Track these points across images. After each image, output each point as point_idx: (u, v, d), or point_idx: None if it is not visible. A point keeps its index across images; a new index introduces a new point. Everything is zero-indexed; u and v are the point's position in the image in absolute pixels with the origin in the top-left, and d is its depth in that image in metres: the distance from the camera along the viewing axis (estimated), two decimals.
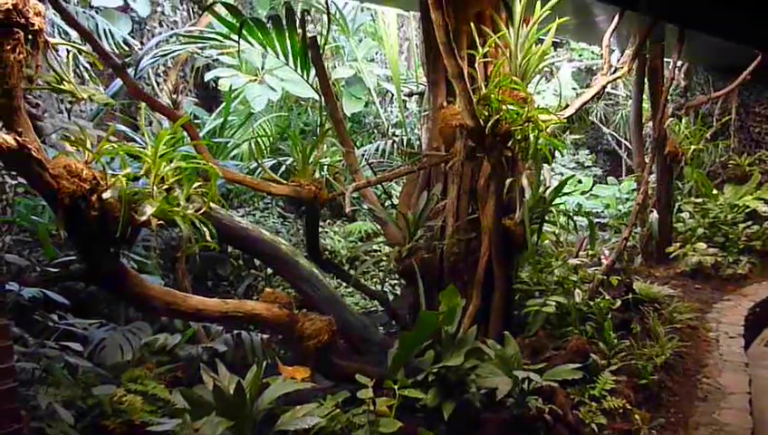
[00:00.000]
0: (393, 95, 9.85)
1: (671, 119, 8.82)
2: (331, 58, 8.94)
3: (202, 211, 3.17)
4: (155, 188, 2.94)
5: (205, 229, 3.08)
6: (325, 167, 6.04)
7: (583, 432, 4.15)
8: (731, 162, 10.58)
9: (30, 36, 2.51)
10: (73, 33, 5.22)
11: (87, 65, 5.77)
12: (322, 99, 5.17)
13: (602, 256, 7.44)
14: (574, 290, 5.57)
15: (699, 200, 9.43)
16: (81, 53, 4.18)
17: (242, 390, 3.50)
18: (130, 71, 4.80)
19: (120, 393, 3.91)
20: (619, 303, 5.74)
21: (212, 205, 3.86)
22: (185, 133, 4.16)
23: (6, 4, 2.36)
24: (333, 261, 7.20)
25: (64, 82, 2.93)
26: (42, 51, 2.63)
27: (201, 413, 3.43)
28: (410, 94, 9.78)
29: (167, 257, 6.25)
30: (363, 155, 8.29)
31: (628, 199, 10.91)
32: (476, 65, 4.76)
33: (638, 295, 6.22)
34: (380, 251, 7.47)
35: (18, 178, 4.34)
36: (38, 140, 2.68)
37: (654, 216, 8.67)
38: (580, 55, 12.62)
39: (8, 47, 2.42)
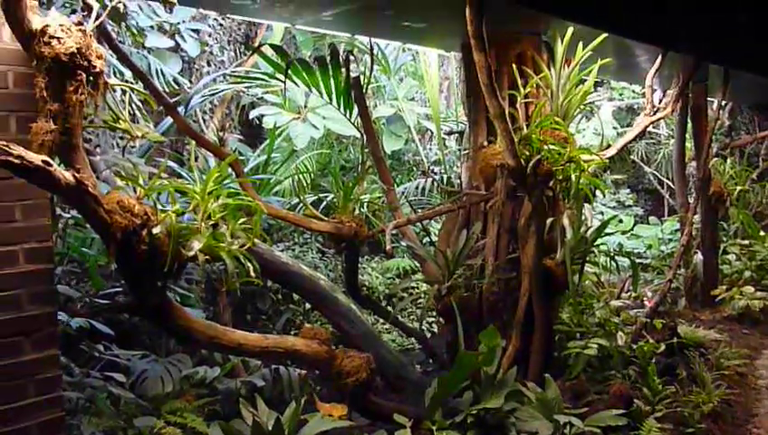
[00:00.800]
0: (433, 133, 9.94)
1: (715, 158, 8.67)
2: (372, 97, 9.09)
3: (246, 247, 3.23)
4: (202, 224, 3.02)
5: (249, 265, 3.13)
6: (365, 204, 6.10)
7: None
8: None
9: (91, 78, 2.64)
10: (127, 73, 5.44)
11: (139, 103, 6.00)
12: (364, 137, 5.26)
13: (645, 299, 7.29)
14: (616, 333, 5.46)
15: (746, 242, 9.17)
16: (134, 92, 4.37)
17: (280, 426, 3.51)
18: (180, 109, 4.98)
19: (160, 425, 3.97)
20: (663, 347, 5.59)
21: (254, 240, 3.94)
22: (230, 170, 4.27)
23: (71, 48, 2.49)
24: (371, 297, 7.21)
25: (120, 121, 3.05)
26: (101, 92, 2.75)
27: None
28: (450, 133, 9.85)
29: (208, 290, 6.36)
30: (403, 193, 8.35)
31: (670, 240, 10.70)
32: (517, 105, 4.78)
33: (683, 340, 6.04)
34: (418, 288, 7.45)
35: (70, 212, 4.50)
36: (94, 176, 2.79)
37: (699, 257, 8.46)
38: (620, 94, 12.57)
39: (71, 88, 2.55)
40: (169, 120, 5.26)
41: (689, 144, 9.40)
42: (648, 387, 4.94)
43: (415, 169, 9.85)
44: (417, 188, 8.54)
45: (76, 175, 2.53)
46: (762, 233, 9.28)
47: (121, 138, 6.23)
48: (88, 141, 5.80)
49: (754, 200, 9.82)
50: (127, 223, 2.75)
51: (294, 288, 5.95)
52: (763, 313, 7.78)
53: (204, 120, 7.60)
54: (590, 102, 11.38)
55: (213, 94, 5.31)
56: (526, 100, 4.86)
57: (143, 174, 3.37)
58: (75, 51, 2.52)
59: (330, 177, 8.19)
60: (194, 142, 4.19)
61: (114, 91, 3.29)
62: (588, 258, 5.06)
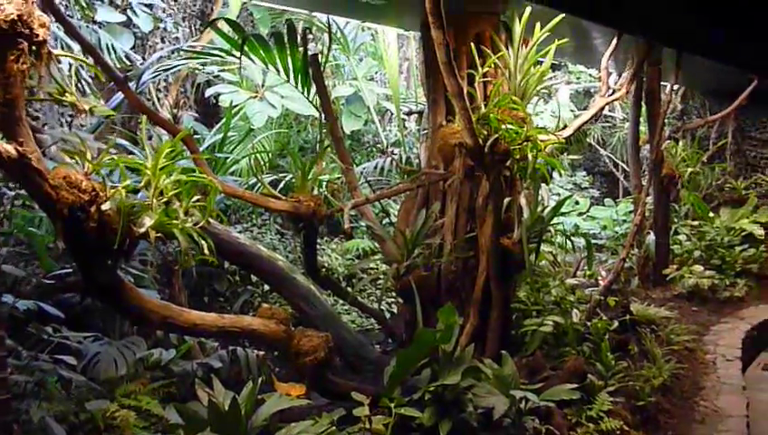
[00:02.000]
0: (392, 114, 9.90)
1: (668, 141, 8.87)
2: (331, 76, 8.99)
3: (200, 225, 3.16)
4: (154, 200, 2.93)
5: (203, 243, 3.06)
6: (324, 184, 6.05)
7: None
8: (727, 185, 10.64)
9: (34, 47, 2.52)
10: (76, 48, 5.24)
11: (89, 79, 5.79)
12: (322, 116, 5.20)
13: (599, 278, 7.44)
14: (572, 310, 5.57)
15: (696, 223, 9.46)
16: (83, 66, 4.21)
17: (237, 406, 3.47)
18: (132, 85, 4.82)
19: (114, 408, 3.88)
20: (616, 324, 5.73)
21: (210, 220, 3.86)
22: (185, 148, 4.16)
23: (12, 14, 2.37)
24: (331, 278, 7.18)
25: (66, 94, 2.93)
26: (45, 62, 2.63)
27: (195, 429, 3.39)
28: (410, 113, 9.83)
29: (163, 273, 6.22)
30: (362, 172, 8.31)
31: (624, 221, 10.94)
32: (476, 85, 4.79)
33: (635, 317, 6.21)
34: (378, 269, 7.45)
35: (16, 190, 4.33)
36: (38, 150, 2.68)
37: (651, 238, 8.69)
38: (577, 78, 12.73)
39: (12, 57, 2.43)
40: (120, 95, 5.09)
41: (643, 128, 9.62)
42: (601, 362, 5.06)
43: (374, 149, 9.81)
44: (375, 168, 8.50)
45: (18, 148, 2.42)
46: (711, 214, 9.57)
47: (71, 116, 6.04)
48: (35, 119, 5.58)
49: (704, 183, 10.13)
50: (74, 199, 2.65)
51: (252, 269, 5.89)
52: (711, 291, 8.06)
53: (158, 99, 7.39)
54: (547, 85, 11.54)
55: (166, 70, 5.15)
56: (484, 79, 4.88)
57: (92, 150, 3.26)
58: (16, 18, 2.39)
59: (288, 157, 8.10)
60: (146, 119, 4.06)
61: (60, 63, 3.16)
62: (544, 238, 5.13)
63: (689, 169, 8.71)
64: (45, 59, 2.62)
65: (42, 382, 3.86)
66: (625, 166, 11.88)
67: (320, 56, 5.28)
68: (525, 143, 4.32)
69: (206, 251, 3.06)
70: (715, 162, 10.44)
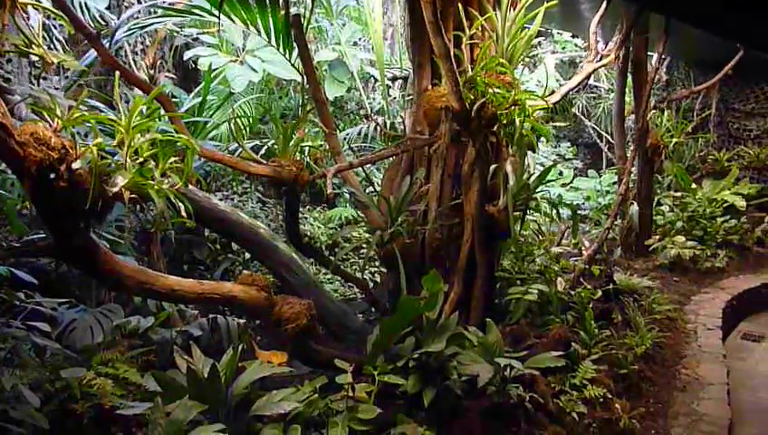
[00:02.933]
0: (377, 80, 9.73)
1: (653, 112, 8.82)
2: (314, 41, 8.79)
3: (178, 187, 3.04)
4: (128, 160, 2.80)
5: (180, 205, 2.95)
6: (306, 150, 5.91)
7: (564, 421, 4.12)
8: (710, 157, 10.66)
9: None
10: (47, 3, 5.01)
11: (61, 39, 5.57)
12: (305, 79, 5.04)
13: (583, 247, 7.42)
14: (556, 279, 5.54)
15: (678, 194, 9.48)
16: (56, 22, 3.99)
17: (216, 373, 3.39)
18: (105, 43, 4.62)
19: (90, 377, 3.78)
20: (600, 293, 5.73)
21: (190, 186, 3.73)
22: (162, 110, 4.00)
23: None
24: (313, 246, 7.09)
25: (33, 46, 2.77)
26: (9, 11, 2.47)
27: (174, 397, 3.31)
28: (394, 79, 9.67)
29: (141, 240, 6.09)
30: (345, 138, 8.17)
31: (608, 192, 10.95)
32: (463, 47, 4.66)
33: (618, 286, 6.22)
34: (361, 238, 7.37)
35: None
36: (4, 106, 2.53)
37: (634, 208, 8.68)
38: (563, 48, 12.61)
39: None
40: (93, 53, 4.88)
41: (628, 98, 9.55)
42: (585, 331, 5.06)
43: (357, 116, 9.65)
44: (359, 133, 8.37)
45: None
46: (693, 185, 9.59)
47: (43, 78, 5.82)
48: (6, 81, 5.36)
49: (687, 154, 10.13)
50: (42, 156, 2.52)
51: (233, 237, 5.77)
52: (692, 261, 8.09)
53: (135, 62, 7.16)
54: (533, 54, 11.42)
55: (142, 28, 4.93)
56: (471, 42, 4.75)
57: (62, 107, 3.11)
58: None
59: (270, 123, 7.94)
60: (119, 78, 3.88)
61: (26, 14, 2.99)
62: (529, 206, 5.06)
63: (674, 140, 8.67)
64: (9, 7, 2.46)
65: (15, 350, 3.75)
66: (609, 137, 11.85)
67: (302, 19, 5.10)
68: (513, 108, 4.22)
69: (183, 214, 2.95)
70: (698, 133, 10.44)
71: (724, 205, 9.16)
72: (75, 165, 2.60)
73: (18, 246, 4.29)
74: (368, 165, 6.61)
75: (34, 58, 3.05)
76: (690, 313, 6.72)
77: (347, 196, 8.16)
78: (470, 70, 4.43)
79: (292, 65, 5.37)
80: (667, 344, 5.71)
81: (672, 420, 4.48)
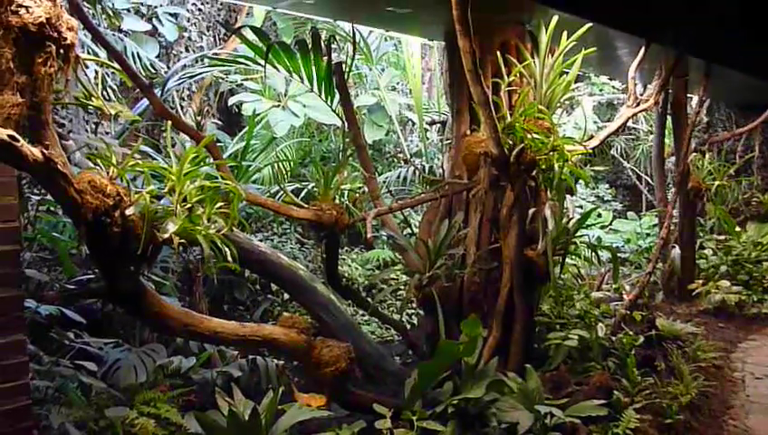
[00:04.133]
0: (414, 124, 9.86)
1: (694, 154, 8.72)
2: (353, 86, 8.99)
3: (224, 232, 3.13)
4: (178, 206, 2.91)
5: (226, 249, 3.04)
6: (346, 193, 6.01)
7: None
8: (754, 199, 10.42)
9: (61, 51, 2.52)
10: (102, 55, 5.29)
11: (114, 87, 5.84)
12: (345, 124, 5.17)
13: (624, 292, 7.30)
14: (596, 324, 5.46)
15: (722, 238, 9.27)
16: (109, 71, 4.21)
17: (257, 415, 3.42)
18: (157, 91, 4.84)
19: (133, 416, 3.85)
20: (642, 339, 5.61)
21: (232, 229, 3.82)
22: (208, 155, 4.14)
23: (40, 17, 2.37)
24: (351, 288, 7.13)
25: (93, 99, 2.93)
26: (72, 66, 2.63)
27: None
28: (432, 123, 9.79)
29: (184, 280, 6.23)
30: (384, 182, 8.27)
31: (648, 235, 10.77)
32: (501, 94, 4.74)
33: (661, 332, 6.07)
34: (398, 280, 7.39)
35: (41, 194, 4.36)
36: (64, 155, 2.67)
37: (676, 252, 8.52)
38: (600, 90, 12.61)
39: (39, 60, 2.43)
40: (145, 101, 5.11)
41: (668, 140, 9.48)
42: (627, 378, 4.94)
43: (395, 159, 9.77)
44: (398, 177, 8.46)
45: (45, 151, 2.41)
46: (737, 229, 9.38)
47: (96, 123, 6.09)
48: (61, 126, 5.63)
49: (731, 196, 9.93)
50: (98, 204, 2.64)
51: (273, 278, 5.86)
52: (738, 307, 7.86)
53: (182, 107, 7.44)
54: (570, 97, 11.44)
55: (191, 77, 5.16)
56: (510, 88, 4.82)
57: (116, 155, 3.25)
58: (44, 21, 2.40)
59: (310, 166, 8.09)
60: (170, 126, 4.05)
61: (87, 67, 3.17)
62: (569, 250, 5.04)
63: (716, 183, 8.53)
64: (72, 63, 2.62)
65: (62, 388, 3.86)
66: (649, 179, 11.71)
67: (343, 65, 5.26)
68: (552, 153, 4.25)
69: (228, 258, 3.04)
70: (741, 176, 10.25)
71: None
72: (129, 211, 2.71)
73: (72, 288, 4.44)
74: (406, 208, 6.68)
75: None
76: (737, 360, 6.51)
77: (385, 238, 8.22)
78: (509, 116, 4.48)
79: (333, 111, 5.52)
80: (713, 394, 5.53)
81: None
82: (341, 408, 4.36)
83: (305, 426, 3.88)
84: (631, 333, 5.62)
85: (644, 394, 4.84)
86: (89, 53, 5.34)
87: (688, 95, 8.59)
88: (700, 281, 8.37)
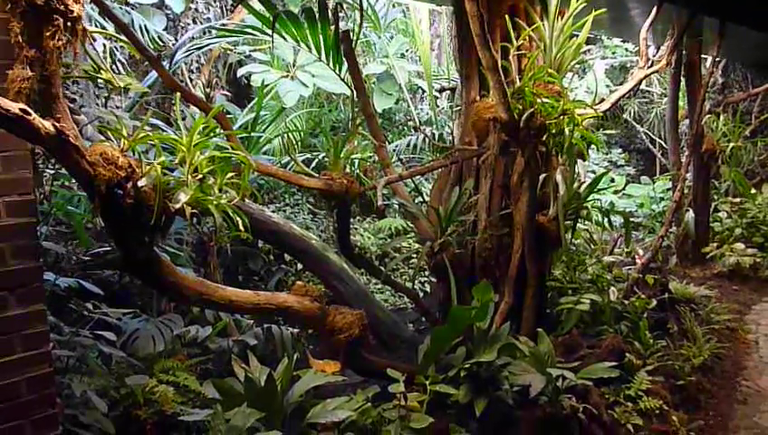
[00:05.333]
0: (424, 92, 9.79)
1: (708, 115, 8.60)
2: (362, 54, 8.93)
3: (235, 202, 3.16)
4: (189, 177, 2.94)
5: (238, 219, 3.07)
6: (356, 162, 6.01)
7: (619, 433, 4.07)
8: None
9: (69, 24, 2.53)
10: (110, 29, 5.28)
11: (123, 61, 5.84)
12: (354, 93, 5.15)
13: (637, 256, 7.29)
14: (609, 288, 5.47)
15: (737, 200, 9.19)
16: (117, 45, 4.22)
17: (273, 381, 3.50)
18: (165, 64, 4.84)
19: (152, 384, 3.95)
20: (654, 302, 5.62)
21: (244, 199, 3.85)
22: (218, 126, 4.16)
23: None
24: (364, 257, 7.18)
25: (102, 71, 2.94)
26: (80, 39, 2.64)
27: (232, 404, 3.43)
28: (442, 90, 9.71)
29: (199, 252, 6.31)
30: (395, 150, 8.25)
31: (662, 199, 10.70)
32: (510, 58, 4.69)
33: (674, 295, 6.08)
34: (410, 247, 7.43)
35: (55, 168, 4.40)
36: (76, 127, 2.70)
37: (690, 215, 8.47)
38: (613, 53, 12.40)
39: (47, 33, 2.44)
40: (153, 74, 5.10)
41: (682, 102, 9.34)
42: (639, 341, 4.98)
43: (406, 127, 9.73)
44: (408, 145, 8.44)
45: (56, 124, 2.44)
46: (753, 191, 9.28)
47: (106, 97, 6.11)
48: (72, 102, 5.66)
49: (746, 158, 9.80)
50: (111, 175, 2.67)
51: (286, 248, 5.91)
52: (752, 269, 7.84)
53: (191, 80, 7.44)
54: (582, 60, 11.29)
55: (199, 48, 5.14)
56: (519, 52, 4.77)
57: (128, 127, 3.28)
58: None
59: (320, 137, 8.09)
60: (179, 98, 4.06)
61: (95, 41, 3.18)
62: (580, 215, 5.03)
63: (730, 145, 8.41)
64: (80, 36, 2.63)
65: (83, 358, 3.95)
66: (663, 143, 11.59)
67: (351, 33, 5.22)
68: (562, 117, 4.21)
69: (240, 227, 3.07)
70: (757, 137, 10.11)
71: None
72: (141, 183, 2.74)
73: (88, 260, 4.52)
74: (417, 176, 6.68)
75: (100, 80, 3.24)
76: (751, 322, 6.52)
77: (396, 206, 8.23)
78: (518, 80, 4.45)
79: (342, 79, 5.48)
80: (726, 355, 5.56)
81: (732, 433, 4.37)
82: (356, 374, 4.44)
83: (320, 391, 3.96)
84: (644, 296, 5.63)
85: (656, 356, 4.88)
86: (96, 26, 5.34)
87: (703, 56, 8.44)
88: (714, 244, 8.34)
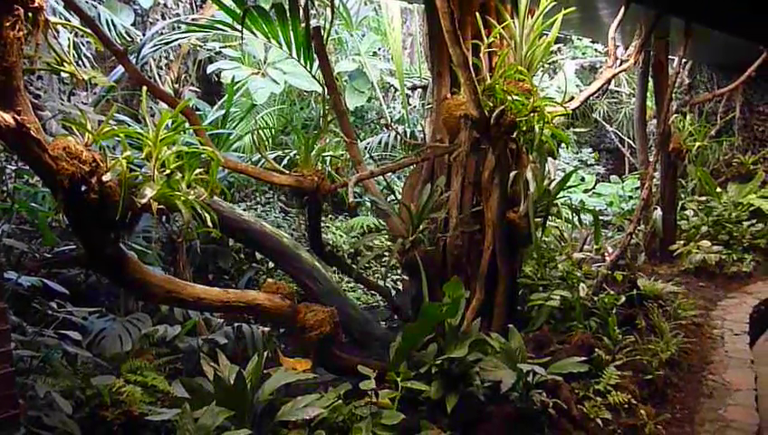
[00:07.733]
0: (396, 90, 9.79)
1: (675, 115, 8.76)
2: (334, 51, 8.88)
3: (204, 198, 3.11)
4: (156, 172, 2.89)
5: (206, 215, 3.02)
6: (328, 160, 5.98)
7: (588, 427, 4.11)
8: (735, 160, 10.52)
9: (30, 14, 2.46)
10: (76, 23, 5.17)
11: (89, 56, 5.72)
12: (325, 90, 5.12)
13: (606, 253, 7.39)
14: (578, 285, 5.53)
15: (703, 198, 9.38)
16: (83, 40, 4.12)
17: (242, 379, 3.45)
18: (132, 58, 4.75)
19: (119, 384, 3.87)
20: (623, 299, 5.70)
21: (215, 197, 3.80)
22: (186, 122, 4.09)
23: None
24: (336, 254, 7.15)
25: (65, 64, 2.87)
26: (42, 30, 2.57)
27: (201, 404, 3.38)
28: (413, 88, 9.72)
29: (168, 250, 6.21)
30: (366, 148, 8.23)
31: (631, 197, 10.87)
32: (481, 56, 4.71)
33: (642, 292, 6.16)
34: (382, 246, 7.42)
35: (18, 164, 4.29)
36: (38, 121, 2.63)
37: (658, 213, 8.62)
38: (583, 53, 12.56)
39: (7, 24, 2.37)
40: (120, 69, 5.01)
41: (650, 102, 9.49)
42: (608, 337, 5.03)
43: (378, 126, 9.72)
44: (380, 143, 8.43)
45: (17, 117, 2.37)
46: (718, 189, 9.47)
47: (71, 93, 5.98)
48: (36, 97, 5.53)
49: (712, 158, 10.02)
50: (74, 170, 2.60)
51: (257, 246, 5.86)
52: (718, 266, 8.00)
53: (159, 76, 7.32)
54: (553, 60, 11.41)
55: (167, 43, 5.06)
56: (490, 50, 4.79)
57: (92, 122, 3.21)
58: None
59: (291, 134, 8.04)
60: (146, 93, 3.99)
61: (58, 33, 3.10)
62: (551, 212, 5.07)
63: (697, 144, 8.58)
64: (42, 27, 2.56)
65: (47, 358, 3.86)
66: (631, 142, 11.77)
67: (322, 30, 5.19)
68: (532, 114, 4.24)
69: (208, 224, 3.02)
70: (722, 137, 10.33)
71: (750, 209, 9.05)
72: (105, 177, 2.68)
73: (51, 257, 4.41)
74: (388, 174, 6.67)
75: (64, 75, 3.16)
76: (717, 318, 6.65)
77: (368, 204, 8.22)
78: (489, 78, 4.46)
79: (313, 77, 5.45)
80: (693, 350, 5.66)
81: (699, 426, 4.44)
82: (328, 372, 4.42)
83: (291, 389, 3.92)
84: (613, 293, 5.70)
85: (625, 352, 4.94)
86: (61, 19, 5.22)
87: (670, 57, 8.59)
88: (681, 242, 8.49)
